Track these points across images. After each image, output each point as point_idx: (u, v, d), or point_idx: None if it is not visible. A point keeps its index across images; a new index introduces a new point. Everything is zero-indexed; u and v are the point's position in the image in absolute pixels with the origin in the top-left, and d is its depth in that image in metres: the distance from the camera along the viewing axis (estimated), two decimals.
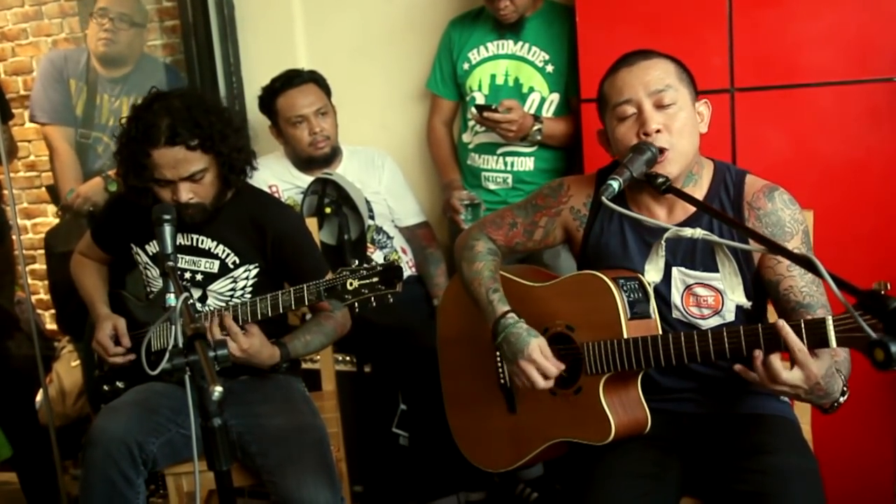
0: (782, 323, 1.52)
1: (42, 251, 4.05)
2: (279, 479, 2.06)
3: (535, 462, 2.02)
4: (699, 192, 1.83)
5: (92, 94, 3.20)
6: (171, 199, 2.14)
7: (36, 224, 4.08)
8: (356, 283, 2.01)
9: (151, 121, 2.10)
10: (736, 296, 1.79)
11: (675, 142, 1.74)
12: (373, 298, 2.01)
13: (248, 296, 2.29)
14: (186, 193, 2.14)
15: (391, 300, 2.02)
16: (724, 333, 1.62)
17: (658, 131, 1.73)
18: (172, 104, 2.12)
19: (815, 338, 1.50)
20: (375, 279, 2.00)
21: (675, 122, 1.74)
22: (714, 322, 1.82)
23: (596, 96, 1.88)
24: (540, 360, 1.78)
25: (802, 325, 1.51)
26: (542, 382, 1.79)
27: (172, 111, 2.10)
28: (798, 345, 1.50)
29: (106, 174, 3.16)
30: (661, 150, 1.73)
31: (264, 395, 2.28)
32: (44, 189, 3.95)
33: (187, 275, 2.29)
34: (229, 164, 2.20)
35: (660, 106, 1.74)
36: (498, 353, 2.01)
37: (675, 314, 1.84)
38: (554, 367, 1.79)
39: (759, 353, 1.54)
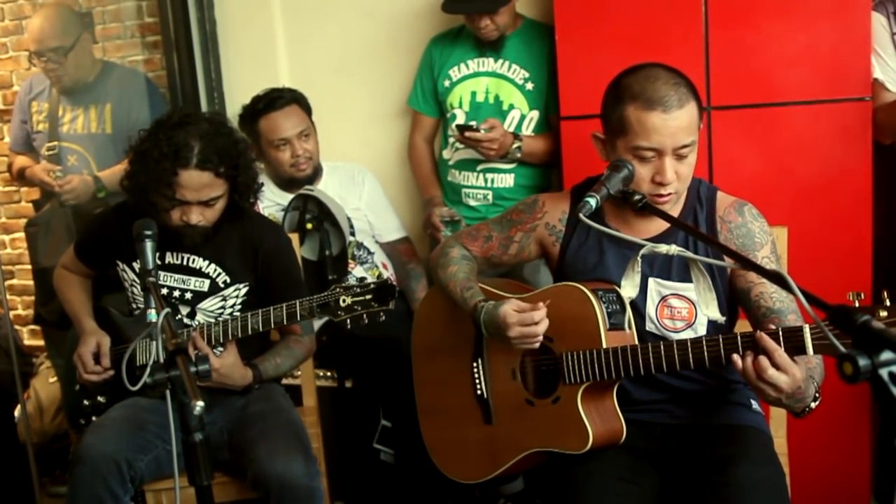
0: (760, 333, 1.56)
1: (19, 266, 4.04)
2: (253, 454, 2.09)
3: (511, 472, 2.04)
4: (676, 207, 1.88)
5: (54, 108, 3.18)
6: (180, 218, 2.15)
7: (14, 239, 4.06)
8: (349, 300, 2.02)
9: (183, 140, 2.09)
10: (710, 311, 1.83)
11: (680, 188, 1.81)
12: (365, 316, 2.02)
13: (237, 314, 2.29)
14: (197, 216, 2.16)
15: (383, 318, 2.03)
16: (704, 342, 1.66)
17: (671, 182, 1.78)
18: (202, 127, 2.13)
19: (793, 345, 1.55)
20: (369, 296, 2.02)
21: (686, 168, 1.79)
22: (686, 335, 1.85)
23: (602, 104, 1.85)
24: (518, 318, 1.79)
25: (780, 333, 1.56)
26: (539, 330, 1.79)
27: (203, 134, 2.11)
28: (779, 351, 1.54)
29: (96, 176, 3.13)
30: (667, 195, 1.78)
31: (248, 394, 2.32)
32: (23, 204, 3.94)
33: (176, 293, 2.30)
34: (243, 194, 2.23)
35: (679, 156, 1.77)
36: (475, 365, 2.03)
37: (649, 326, 1.87)
38: (533, 313, 1.79)
39: (749, 352, 1.58)
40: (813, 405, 1.66)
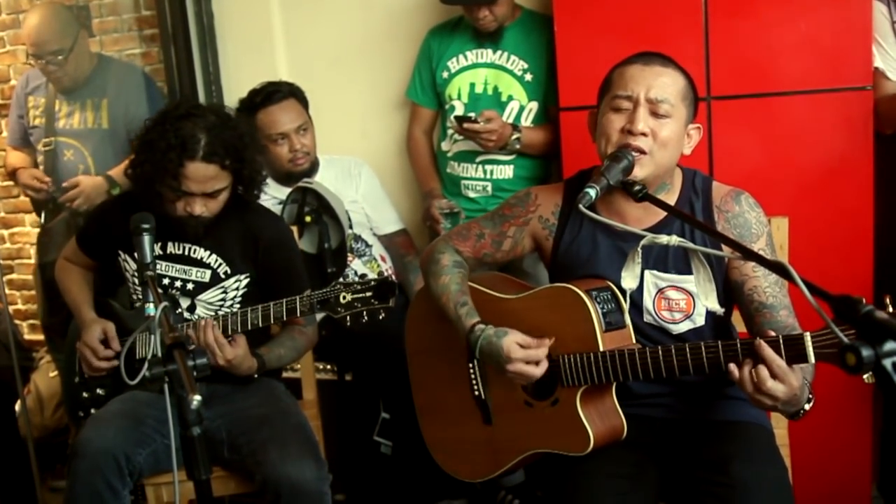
0: (760, 342, 1.54)
1: (19, 261, 4.03)
2: (263, 457, 2.09)
3: (514, 470, 2.03)
4: (671, 198, 1.86)
5: (50, 103, 3.17)
6: (184, 209, 2.16)
7: (13, 234, 4.05)
8: (349, 297, 2.01)
9: (189, 132, 2.09)
10: (710, 302, 1.82)
11: (655, 149, 1.76)
12: (365, 313, 2.01)
13: (238, 306, 2.30)
14: (200, 207, 2.16)
15: (383, 316, 2.02)
16: (703, 348, 1.63)
17: (644, 134, 1.75)
18: (209, 119, 2.13)
19: (794, 354, 1.52)
20: (369, 293, 2.01)
21: (662, 131, 1.76)
22: (685, 327, 1.84)
23: (602, 81, 1.88)
24: (523, 355, 1.78)
25: (781, 341, 1.53)
26: (538, 372, 1.79)
27: (210, 127, 2.11)
28: (777, 360, 1.52)
29: (107, 174, 3.11)
30: (640, 152, 1.75)
31: (249, 392, 2.32)
32: (22, 198, 3.92)
33: (178, 283, 2.30)
34: (248, 186, 2.24)
35: (654, 113, 1.77)
36: (471, 366, 2.02)
37: (647, 318, 1.86)
38: (538, 350, 1.79)
39: (748, 360, 1.56)
40: (807, 407, 1.63)
